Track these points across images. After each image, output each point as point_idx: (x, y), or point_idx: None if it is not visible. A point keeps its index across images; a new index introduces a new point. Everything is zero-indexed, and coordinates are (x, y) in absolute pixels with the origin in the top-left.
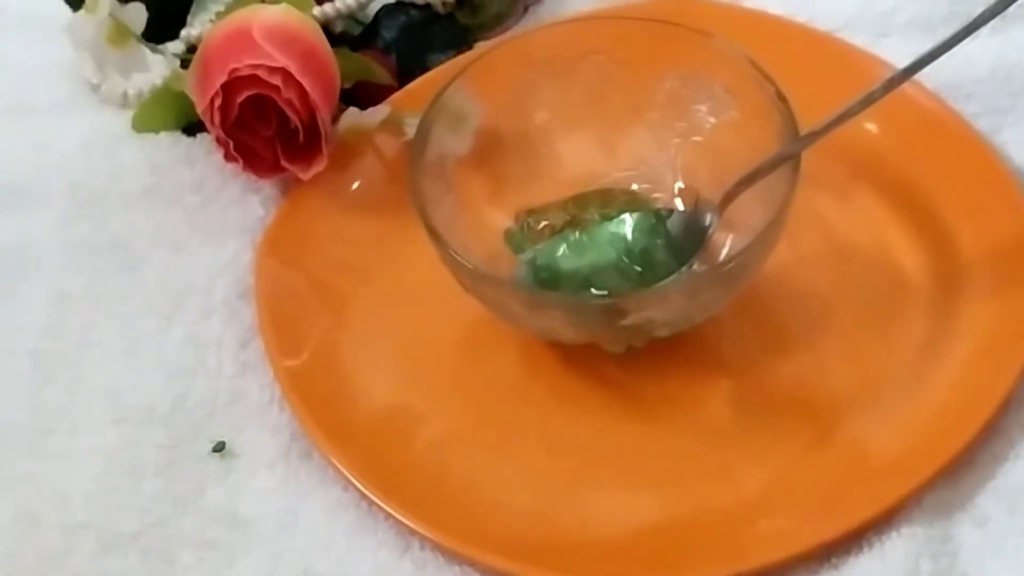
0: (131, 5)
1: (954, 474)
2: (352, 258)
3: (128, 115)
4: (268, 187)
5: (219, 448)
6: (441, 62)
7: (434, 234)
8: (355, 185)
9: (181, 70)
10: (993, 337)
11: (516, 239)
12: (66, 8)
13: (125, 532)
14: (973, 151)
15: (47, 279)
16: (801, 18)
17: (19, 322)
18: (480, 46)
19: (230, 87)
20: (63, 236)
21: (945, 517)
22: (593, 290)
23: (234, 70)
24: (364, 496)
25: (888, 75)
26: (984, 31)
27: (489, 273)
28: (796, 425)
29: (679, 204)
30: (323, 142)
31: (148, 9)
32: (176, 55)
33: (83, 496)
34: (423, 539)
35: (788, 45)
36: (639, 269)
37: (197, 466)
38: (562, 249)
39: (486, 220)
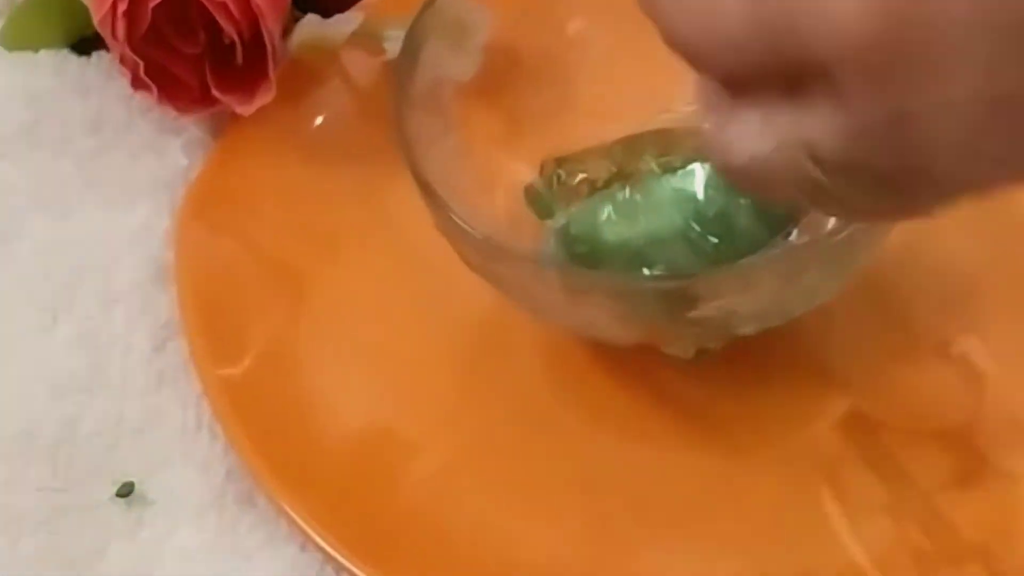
0: None
1: None
2: (312, 225)
3: None
4: (193, 127)
5: (125, 492)
6: None
7: (428, 190)
8: (315, 123)
9: None
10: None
11: (542, 199)
12: None
13: None
14: None
15: None
16: None
17: None
18: None
19: None
20: None
21: None
22: (649, 270)
23: None
24: (329, 557)
25: None
26: None
27: (505, 245)
28: (936, 459)
29: None
30: (270, 63)
31: None
32: None
33: None
34: None
35: None
36: (715, 240)
37: (95, 517)
38: (606, 212)
39: (500, 171)
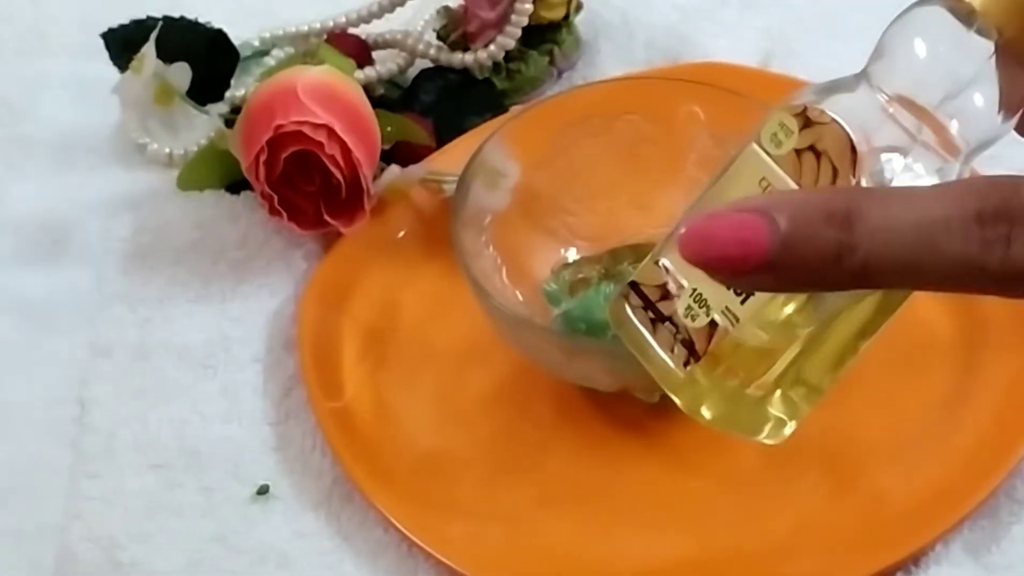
0: (176, 65)
1: (977, 522)
2: (392, 308)
3: (173, 174)
4: (310, 242)
5: (262, 492)
6: (477, 125)
7: (475, 284)
8: (397, 238)
9: (226, 129)
10: (1017, 388)
11: (553, 294)
12: (112, 71)
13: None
14: None
15: (91, 331)
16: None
17: (63, 369)
18: (515, 109)
19: (275, 143)
20: (108, 290)
21: (967, 564)
22: None
23: (279, 126)
24: (405, 538)
25: None
26: None
27: (530, 320)
28: (823, 473)
29: None
30: (365, 197)
31: (194, 73)
32: (220, 115)
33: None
34: None
35: None
36: None
37: (241, 509)
38: (597, 301)
39: (523, 272)
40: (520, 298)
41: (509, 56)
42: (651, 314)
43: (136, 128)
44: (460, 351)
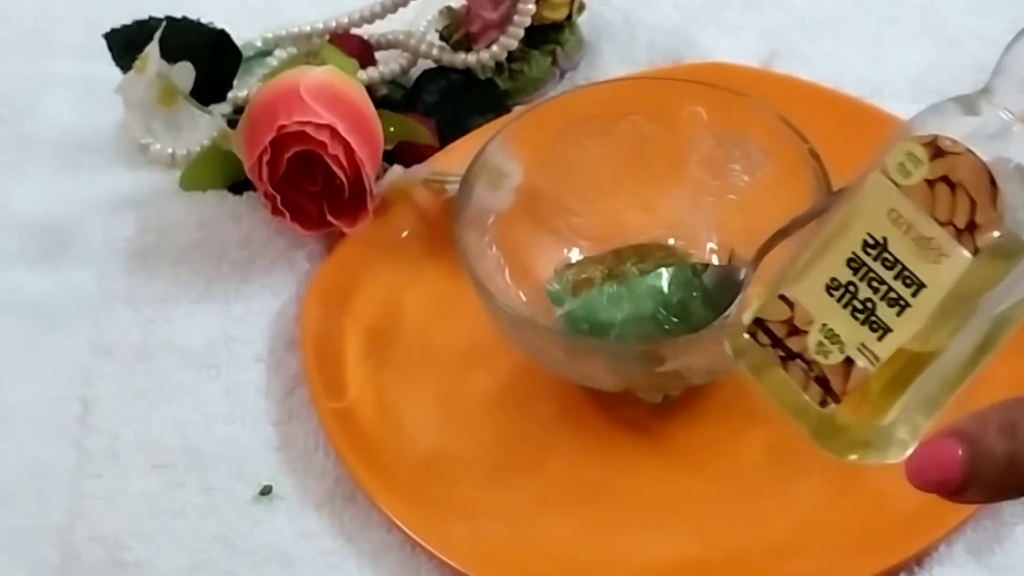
0: (179, 65)
1: (980, 523)
2: (394, 307)
3: (176, 174)
4: (312, 242)
5: (265, 492)
6: (480, 125)
7: (478, 284)
8: (399, 238)
9: (228, 129)
10: (1019, 388)
11: (556, 294)
12: (116, 72)
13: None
14: None
15: (95, 331)
16: (830, 85)
17: (66, 369)
18: (518, 110)
19: (278, 143)
20: (111, 290)
21: (970, 565)
22: (630, 340)
23: (282, 127)
24: (408, 538)
25: None
26: None
27: (533, 320)
28: (825, 473)
29: (714, 259)
30: (368, 197)
31: (196, 73)
32: (223, 115)
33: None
34: None
35: (818, 108)
36: (676, 320)
37: (244, 509)
38: (600, 301)
39: (527, 273)
40: (523, 298)
41: (512, 56)
42: (780, 352)
43: (139, 128)
44: (463, 351)
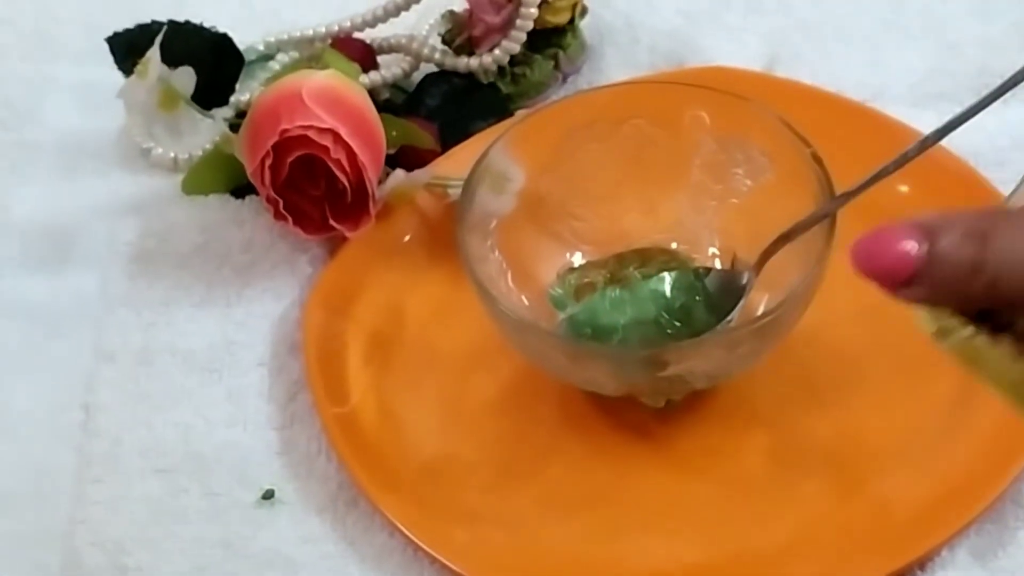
0: (180, 69)
1: (983, 527)
2: (396, 311)
3: (178, 178)
4: (315, 247)
5: (268, 496)
6: (482, 129)
7: (480, 288)
8: (401, 242)
9: (231, 133)
10: None
11: (558, 298)
12: (118, 76)
13: None
14: None
15: (96, 335)
16: (831, 89)
17: (67, 374)
18: (520, 114)
19: (280, 147)
20: (113, 294)
21: (973, 569)
22: (632, 345)
23: (284, 131)
24: (410, 542)
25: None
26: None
27: (536, 324)
28: (828, 476)
29: (716, 263)
30: (371, 201)
31: (198, 78)
32: (225, 120)
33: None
34: None
35: (820, 112)
36: (678, 324)
37: (246, 513)
38: (602, 305)
39: (530, 278)
40: (525, 302)
41: (514, 60)
42: (989, 326)
43: (141, 132)
44: (465, 355)
